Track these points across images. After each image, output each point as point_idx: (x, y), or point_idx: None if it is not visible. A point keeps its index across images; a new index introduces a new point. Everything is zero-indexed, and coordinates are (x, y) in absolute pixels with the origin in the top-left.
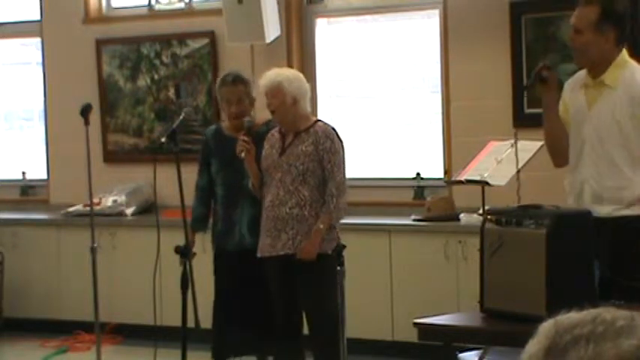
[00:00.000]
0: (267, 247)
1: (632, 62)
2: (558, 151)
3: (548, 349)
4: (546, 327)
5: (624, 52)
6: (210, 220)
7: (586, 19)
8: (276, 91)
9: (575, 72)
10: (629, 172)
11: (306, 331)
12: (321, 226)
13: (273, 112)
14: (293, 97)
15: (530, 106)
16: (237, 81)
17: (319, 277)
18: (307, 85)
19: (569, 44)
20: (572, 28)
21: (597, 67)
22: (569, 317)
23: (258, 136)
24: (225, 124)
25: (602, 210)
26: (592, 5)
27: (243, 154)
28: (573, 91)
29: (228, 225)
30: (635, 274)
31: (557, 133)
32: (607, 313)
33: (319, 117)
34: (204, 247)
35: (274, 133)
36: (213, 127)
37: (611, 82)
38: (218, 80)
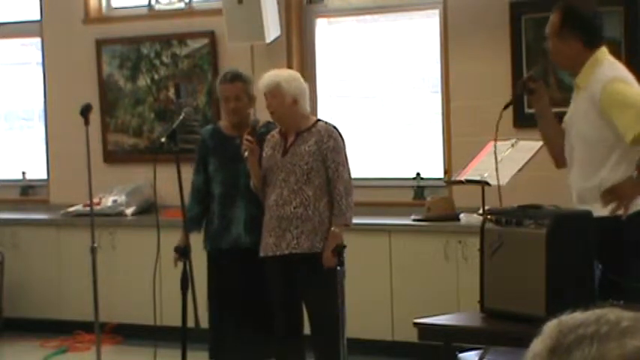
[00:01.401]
0: (270, 246)
1: (606, 61)
2: (557, 155)
3: (552, 349)
4: (550, 327)
5: (599, 52)
6: (204, 220)
7: (551, 25)
8: (275, 92)
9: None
10: (600, 172)
11: (306, 331)
12: (337, 230)
13: (272, 113)
14: (292, 97)
15: (531, 106)
16: (236, 79)
17: (320, 277)
18: (306, 85)
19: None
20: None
21: (573, 70)
22: (573, 317)
23: (258, 137)
24: (223, 123)
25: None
26: (556, 12)
27: (246, 154)
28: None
29: (224, 223)
30: (627, 273)
31: (554, 138)
32: (611, 313)
33: (319, 117)
34: (203, 246)
35: (274, 135)
36: (210, 126)
37: (582, 82)
38: (218, 78)
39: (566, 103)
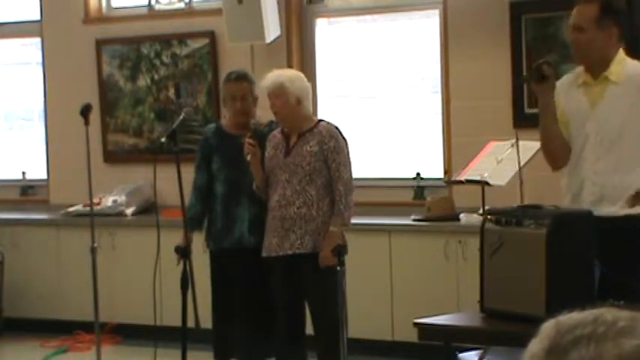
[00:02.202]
0: (274, 246)
1: (629, 58)
2: (555, 153)
3: (550, 350)
4: (547, 327)
5: (621, 49)
6: (206, 220)
7: (587, 16)
8: (279, 92)
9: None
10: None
11: (308, 331)
12: (336, 229)
13: (276, 114)
14: (296, 97)
15: (530, 106)
16: (242, 78)
17: (323, 277)
18: (308, 85)
19: (570, 43)
20: (573, 26)
21: (598, 65)
22: (571, 317)
23: (261, 137)
24: (225, 122)
25: (602, 210)
26: (591, 3)
27: (249, 157)
28: (569, 91)
29: (227, 222)
30: (635, 274)
31: (554, 133)
32: (608, 313)
33: (320, 117)
34: (204, 246)
35: (276, 134)
36: (212, 125)
37: (616, 77)
38: (223, 78)
39: None
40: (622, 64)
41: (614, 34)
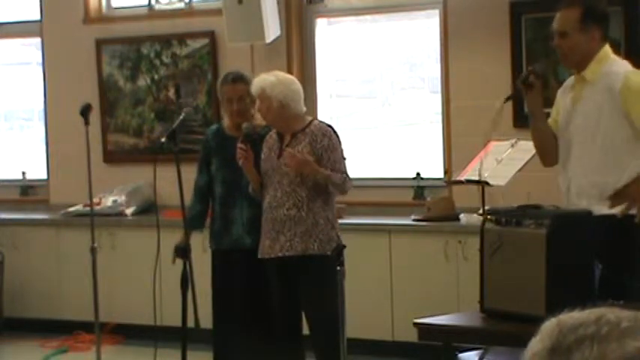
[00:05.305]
0: (266, 248)
1: (613, 56)
2: (546, 153)
3: (552, 350)
4: (549, 327)
5: (606, 48)
6: (208, 220)
7: (570, 20)
8: (261, 97)
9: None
10: (614, 166)
11: (306, 331)
12: (327, 172)
13: (264, 117)
14: (279, 101)
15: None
16: (238, 80)
17: (319, 278)
18: (297, 87)
19: (555, 49)
20: (557, 32)
21: (581, 66)
22: (572, 317)
23: (259, 137)
24: (225, 123)
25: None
26: (574, 7)
27: (241, 162)
28: (564, 94)
29: (225, 224)
30: (628, 272)
31: (545, 136)
32: (611, 313)
33: (319, 117)
34: (204, 246)
35: (272, 135)
36: (214, 126)
37: (591, 77)
38: (220, 79)
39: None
40: (602, 63)
41: (596, 35)
